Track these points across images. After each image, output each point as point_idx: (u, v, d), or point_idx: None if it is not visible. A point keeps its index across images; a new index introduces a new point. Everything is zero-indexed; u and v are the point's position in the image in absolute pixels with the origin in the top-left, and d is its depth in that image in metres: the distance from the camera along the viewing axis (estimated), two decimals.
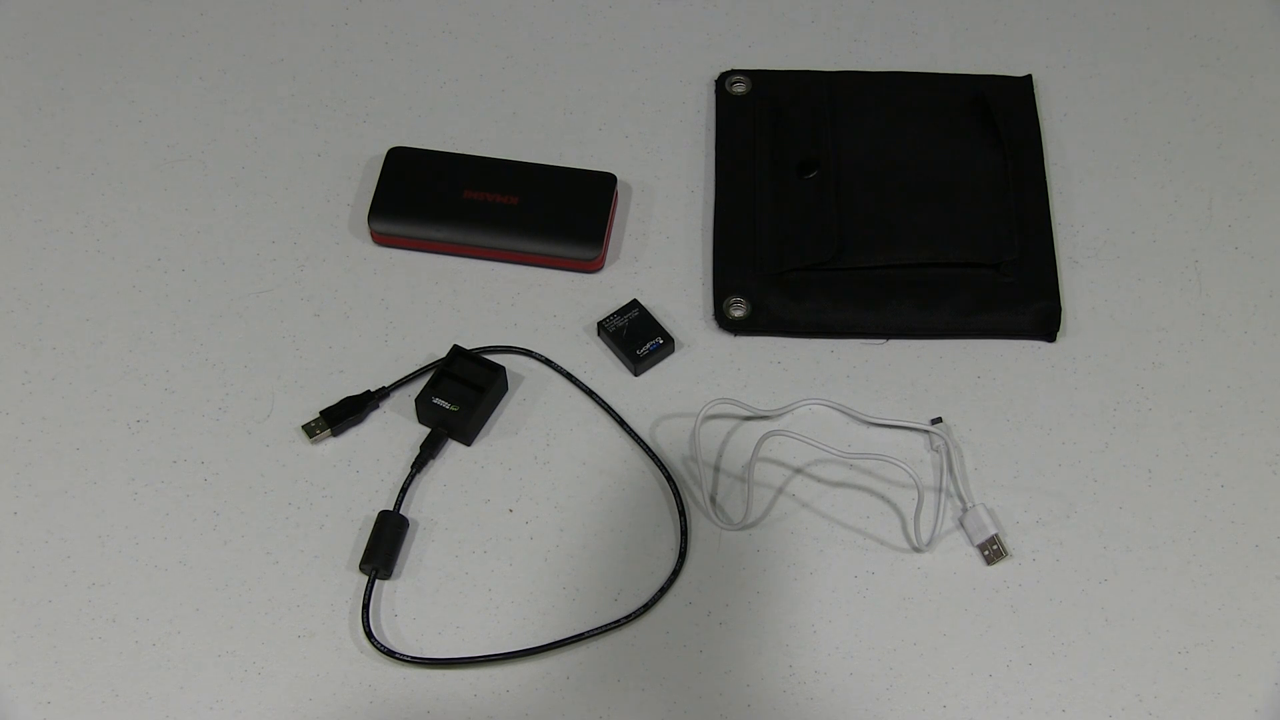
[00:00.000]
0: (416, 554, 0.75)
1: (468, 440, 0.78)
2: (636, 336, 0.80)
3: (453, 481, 0.77)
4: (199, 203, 0.86)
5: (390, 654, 0.71)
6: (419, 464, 0.77)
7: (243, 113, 0.90)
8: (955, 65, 0.93)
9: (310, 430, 0.77)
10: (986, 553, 0.74)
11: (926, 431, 0.78)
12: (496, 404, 0.79)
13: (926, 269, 0.82)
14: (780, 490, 0.77)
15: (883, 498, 0.77)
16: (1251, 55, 0.93)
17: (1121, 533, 0.76)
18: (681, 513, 0.75)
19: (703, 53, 0.93)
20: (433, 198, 0.84)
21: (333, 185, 0.87)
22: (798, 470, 0.77)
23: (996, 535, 0.74)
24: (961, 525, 0.75)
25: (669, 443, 0.78)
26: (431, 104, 0.90)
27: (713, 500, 0.76)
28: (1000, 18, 0.95)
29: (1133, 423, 0.79)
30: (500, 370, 0.78)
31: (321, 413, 0.78)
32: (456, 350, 0.79)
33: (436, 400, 0.77)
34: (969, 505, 0.76)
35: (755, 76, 0.91)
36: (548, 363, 0.80)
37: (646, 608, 0.73)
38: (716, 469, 0.77)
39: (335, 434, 0.78)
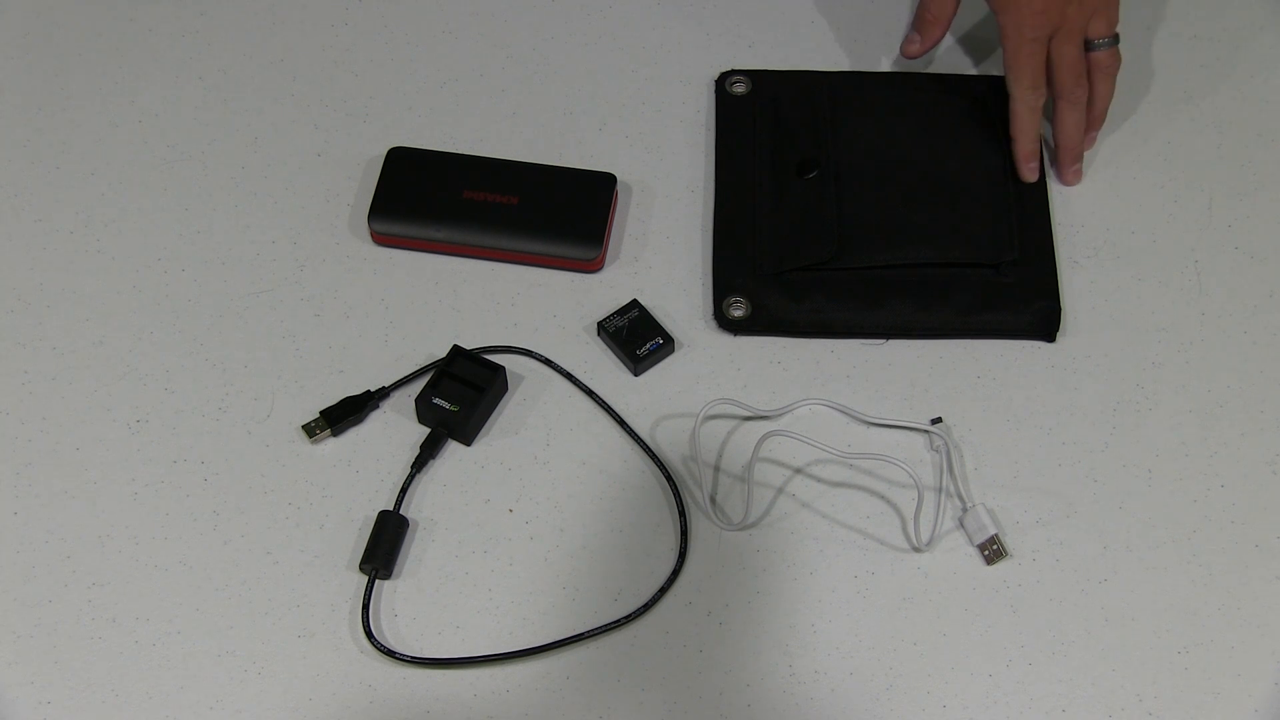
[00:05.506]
0: (416, 554, 0.75)
1: (468, 440, 0.78)
2: (636, 336, 0.80)
3: (453, 481, 0.77)
4: (199, 203, 0.86)
5: (390, 654, 0.71)
6: (419, 464, 0.77)
7: (243, 113, 0.90)
8: (955, 65, 0.93)
9: (310, 430, 0.77)
10: (986, 553, 0.74)
11: (926, 431, 0.78)
12: (496, 404, 0.79)
13: (926, 269, 0.82)
14: (780, 490, 0.77)
15: (883, 498, 0.77)
16: (1251, 55, 0.93)
17: (1121, 533, 0.76)
18: (681, 513, 0.75)
19: (703, 53, 0.93)
20: (433, 198, 0.84)
21: (333, 185, 0.87)
22: (798, 470, 0.77)
23: (996, 535, 0.74)
24: (961, 525, 0.75)
25: (669, 443, 0.78)
26: (431, 104, 0.90)
27: (713, 500, 0.76)
28: None
29: (1133, 423, 0.79)
30: (500, 370, 0.78)
31: (321, 413, 0.78)
32: (456, 350, 0.79)
33: (436, 400, 0.77)
34: (969, 505, 0.76)
35: (755, 76, 0.91)
36: (548, 363, 0.80)
37: (646, 608, 0.73)
38: (716, 469, 0.77)
39: (335, 434, 0.78)
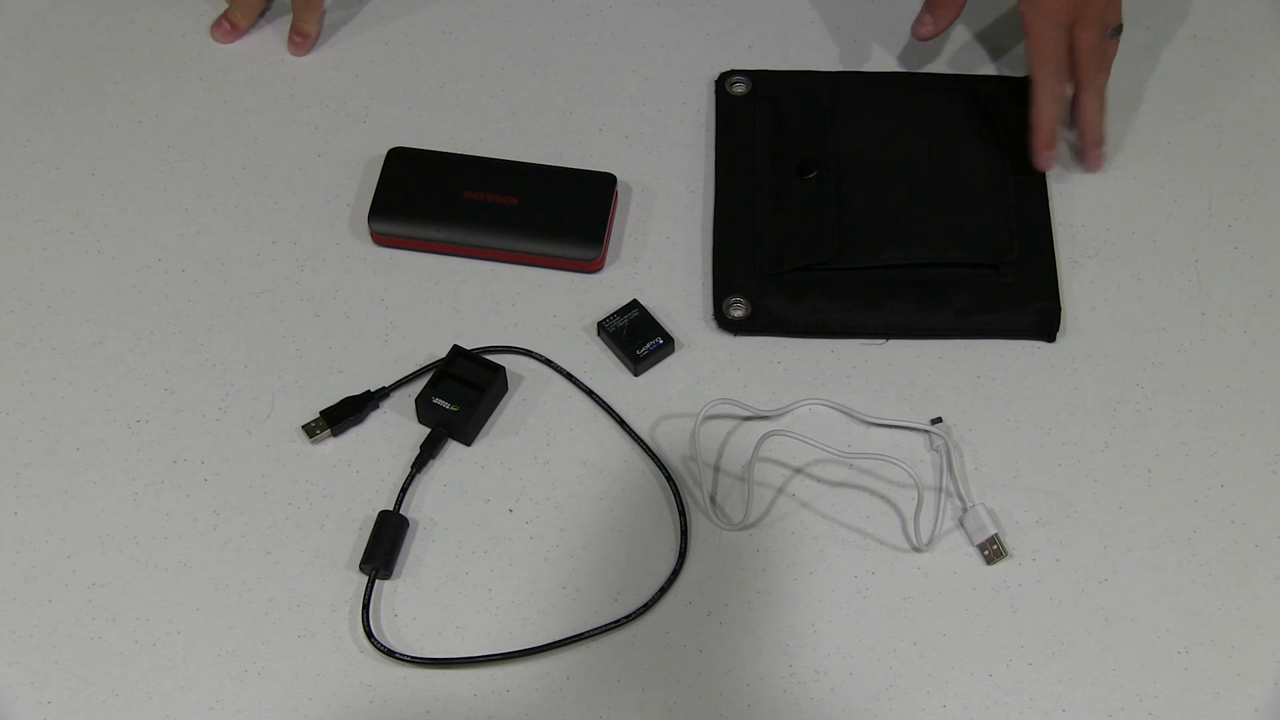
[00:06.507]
0: (416, 554, 0.75)
1: (468, 440, 0.78)
2: (636, 336, 0.80)
3: (453, 481, 0.77)
4: (199, 203, 0.86)
5: (390, 654, 0.71)
6: (419, 464, 0.77)
7: (243, 113, 0.90)
8: (955, 65, 0.93)
9: (310, 430, 0.77)
10: (986, 553, 0.74)
11: (926, 431, 0.78)
12: (496, 404, 0.79)
13: (926, 269, 0.82)
14: (780, 490, 0.77)
15: (883, 498, 0.77)
16: (1251, 55, 0.93)
17: (1121, 533, 0.76)
18: (681, 513, 0.75)
19: (703, 53, 0.93)
20: (433, 198, 0.84)
21: (333, 185, 0.87)
22: (798, 470, 0.77)
23: (996, 535, 0.74)
24: (961, 525, 0.75)
25: (669, 443, 0.78)
26: (431, 104, 0.90)
27: (713, 500, 0.76)
28: (1000, 18, 0.95)
29: (1133, 423, 0.79)
30: (500, 370, 0.78)
31: (321, 413, 0.78)
32: (456, 350, 0.79)
33: (436, 400, 0.77)
34: (969, 505, 0.76)
35: (755, 76, 0.91)
36: (548, 363, 0.80)
37: (646, 608, 0.73)
38: (716, 469, 0.77)
39: (335, 434, 0.78)
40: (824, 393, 0.80)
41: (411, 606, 0.73)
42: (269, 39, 0.93)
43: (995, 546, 0.74)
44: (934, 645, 0.72)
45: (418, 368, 0.80)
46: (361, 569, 0.74)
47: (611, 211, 0.85)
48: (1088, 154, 0.87)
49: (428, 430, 0.78)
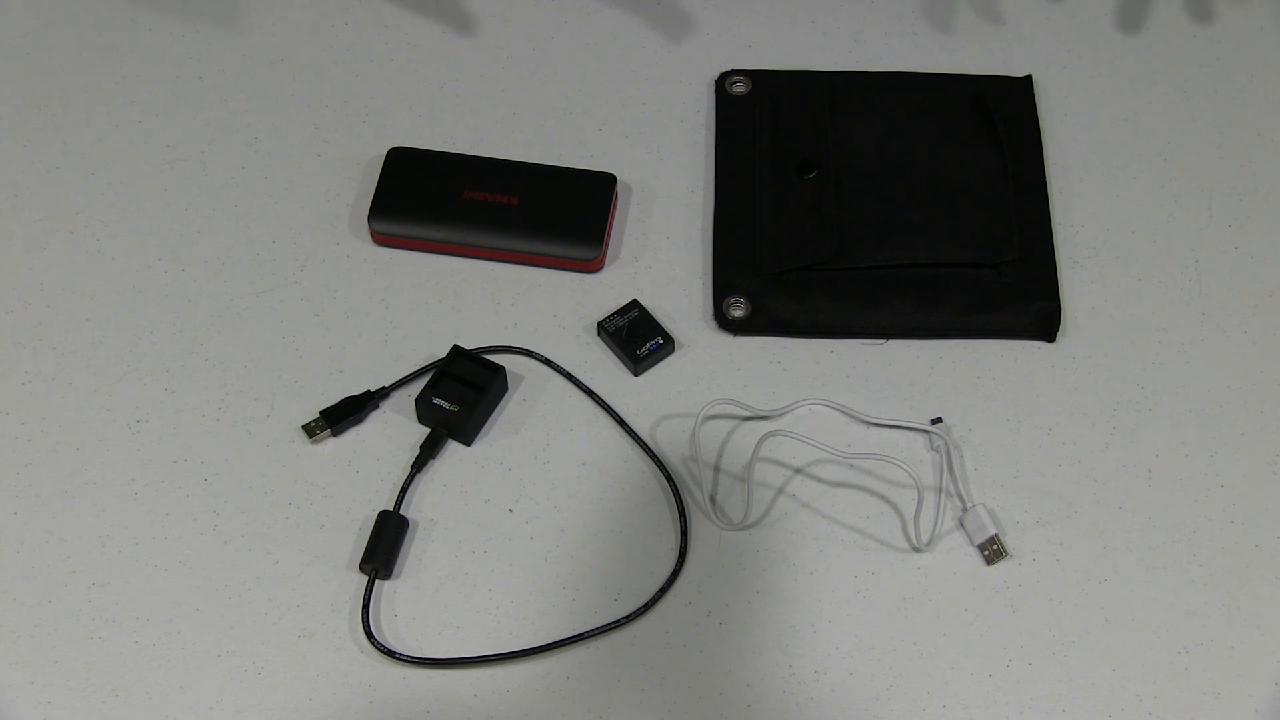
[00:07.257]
0: (416, 554, 0.75)
1: (468, 440, 0.78)
2: (636, 336, 0.80)
3: (453, 481, 0.77)
4: (199, 203, 0.86)
5: (390, 654, 0.71)
6: (419, 464, 0.77)
7: (243, 113, 0.90)
8: (955, 65, 0.93)
9: (310, 430, 0.77)
10: (986, 553, 0.74)
11: (926, 431, 0.78)
12: (496, 404, 0.79)
13: (926, 269, 0.82)
14: (780, 490, 0.77)
15: (883, 498, 0.77)
16: (1251, 55, 0.93)
17: (1121, 533, 0.76)
18: (681, 513, 0.75)
19: (703, 53, 0.93)
20: (433, 198, 0.84)
21: (333, 185, 0.87)
22: (798, 470, 0.77)
23: (996, 535, 0.74)
24: (961, 525, 0.75)
25: (669, 443, 0.78)
26: (431, 104, 0.90)
27: (713, 500, 0.76)
28: (1000, 18, 0.95)
29: (1133, 423, 0.79)
30: (500, 370, 0.78)
31: (321, 413, 0.78)
32: (456, 350, 0.79)
33: (436, 400, 0.77)
34: (969, 505, 0.76)
35: (755, 76, 0.91)
36: (548, 363, 0.81)
37: (646, 608, 0.73)
38: (716, 469, 0.77)
39: (335, 434, 0.78)
40: (824, 393, 0.80)
41: (411, 606, 0.73)
42: (269, 37, 0.93)
43: (995, 547, 0.74)
44: (934, 645, 0.72)
45: (418, 368, 0.80)
46: (361, 569, 0.74)
47: (611, 211, 0.85)
48: None
49: (428, 430, 0.78)
